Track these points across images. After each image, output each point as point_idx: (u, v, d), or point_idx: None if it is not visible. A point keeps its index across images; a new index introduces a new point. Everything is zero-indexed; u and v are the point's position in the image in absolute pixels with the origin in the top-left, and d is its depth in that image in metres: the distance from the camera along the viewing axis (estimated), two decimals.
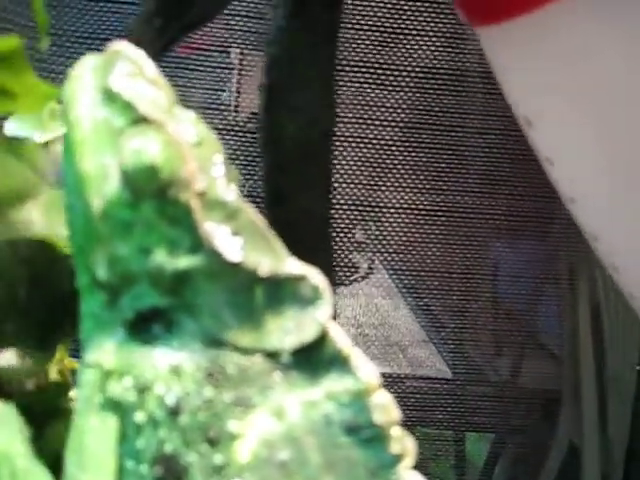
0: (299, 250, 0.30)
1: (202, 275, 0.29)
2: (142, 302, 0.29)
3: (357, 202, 1.12)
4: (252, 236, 0.29)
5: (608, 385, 1.21)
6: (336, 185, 1.11)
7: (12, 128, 0.41)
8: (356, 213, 1.13)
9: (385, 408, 0.29)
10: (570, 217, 1.20)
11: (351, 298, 1.28)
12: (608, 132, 0.37)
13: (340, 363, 0.29)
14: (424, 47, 1.10)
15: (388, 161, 1.13)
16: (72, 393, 0.42)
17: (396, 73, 1.10)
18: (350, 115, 1.10)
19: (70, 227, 0.31)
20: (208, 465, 0.28)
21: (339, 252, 1.13)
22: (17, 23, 1.00)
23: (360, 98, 1.09)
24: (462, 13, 0.48)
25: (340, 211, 1.11)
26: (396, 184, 1.15)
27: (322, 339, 0.29)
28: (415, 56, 1.10)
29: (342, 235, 1.13)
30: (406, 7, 1.09)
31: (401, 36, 1.09)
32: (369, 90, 1.10)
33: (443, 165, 1.16)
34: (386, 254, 1.22)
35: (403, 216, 1.17)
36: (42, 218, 0.39)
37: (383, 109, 1.10)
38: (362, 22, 1.08)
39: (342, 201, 1.12)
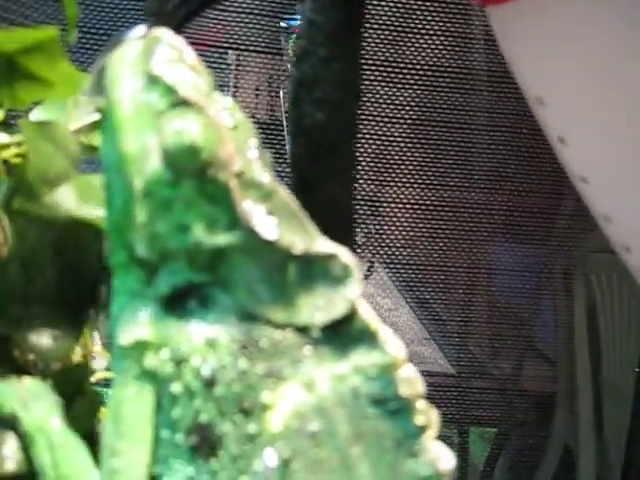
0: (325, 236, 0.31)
1: (238, 252, 0.30)
2: (178, 278, 0.30)
3: (366, 198, 1.13)
4: (286, 216, 0.30)
5: (604, 387, 1.20)
6: None
7: (38, 115, 0.42)
8: (365, 209, 1.13)
9: (411, 381, 0.30)
10: (568, 217, 1.21)
11: None
12: (623, 109, 0.37)
13: (368, 338, 0.30)
14: (432, 46, 1.11)
15: (397, 157, 1.13)
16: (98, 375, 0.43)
17: (405, 71, 1.11)
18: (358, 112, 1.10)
19: (108, 205, 0.32)
20: (242, 434, 0.29)
21: None
22: (13, 21, 1.01)
23: (370, 95, 1.10)
24: None
25: None
26: (402, 181, 1.16)
27: (351, 315, 0.30)
28: (423, 54, 1.11)
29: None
30: (415, 6, 1.10)
31: (410, 35, 1.10)
32: (379, 87, 1.11)
33: (450, 162, 1.16)
34: (388, 252, 1.22)
35: (405, 213, 1.18)
36: (74, 202, 0.39)
37: (392, 106, 1.11)
38: (372, 21, 1.09)
39: None
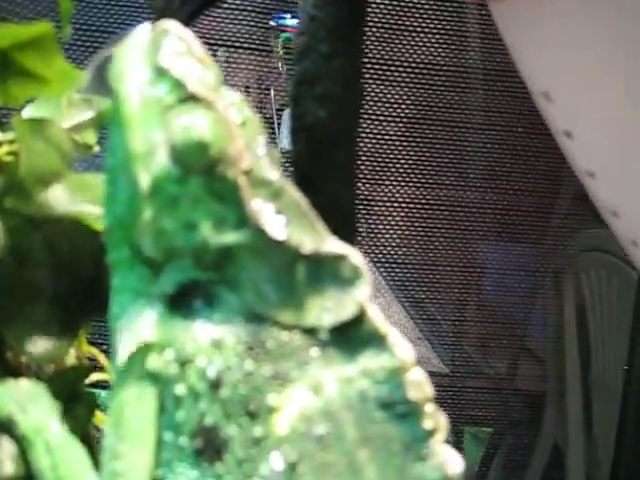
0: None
1: (246, 251, 0.29)
2: (184, 276, 0.30)
3: (359, 196, 1.12)
4: (295, 215, 0.30)
5: (594, 386, 1.20)
6: None
7: (31, 112, 0.42)
8: (359, 207, 1.13)
9: (419, 385, 0.29)
10: (563, 217, 1.21)
11: None
12: (629, 102, 0.37)
13: (377, 341, 0.29)
14: (427, 44, 1.11)
15: (392, 156, 1.13)
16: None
17: (399, 69, 1.10)
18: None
19: (110, 201, 0.31)
20: (247, 437, 0.29)
21: None
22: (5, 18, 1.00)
23: (364, 94, 1.10)
24: None
25: None
26: (395, 180, 1.16)
27: (360, 318, 0.29)
28: (418, 52, 1.11)
29: None
30: (410, 4, 1.10)
31: (405, 32, 1.09)
32: (373, 86, 1.11)
33: (445, 161, 1.16)
34: (381, 251, 1.22)
35: (398, 212, 1.18)
36: (67, 200, 0.39)
37: (387, 105, 1.11)
38: (367, 19, 1.08)
39: None
